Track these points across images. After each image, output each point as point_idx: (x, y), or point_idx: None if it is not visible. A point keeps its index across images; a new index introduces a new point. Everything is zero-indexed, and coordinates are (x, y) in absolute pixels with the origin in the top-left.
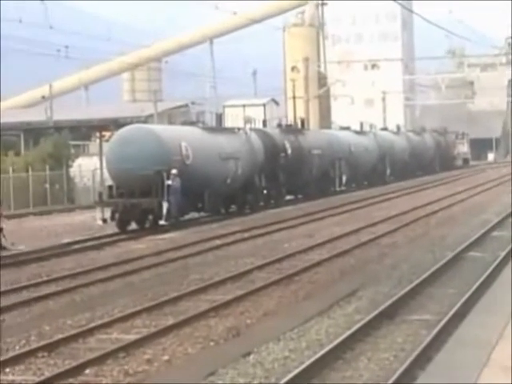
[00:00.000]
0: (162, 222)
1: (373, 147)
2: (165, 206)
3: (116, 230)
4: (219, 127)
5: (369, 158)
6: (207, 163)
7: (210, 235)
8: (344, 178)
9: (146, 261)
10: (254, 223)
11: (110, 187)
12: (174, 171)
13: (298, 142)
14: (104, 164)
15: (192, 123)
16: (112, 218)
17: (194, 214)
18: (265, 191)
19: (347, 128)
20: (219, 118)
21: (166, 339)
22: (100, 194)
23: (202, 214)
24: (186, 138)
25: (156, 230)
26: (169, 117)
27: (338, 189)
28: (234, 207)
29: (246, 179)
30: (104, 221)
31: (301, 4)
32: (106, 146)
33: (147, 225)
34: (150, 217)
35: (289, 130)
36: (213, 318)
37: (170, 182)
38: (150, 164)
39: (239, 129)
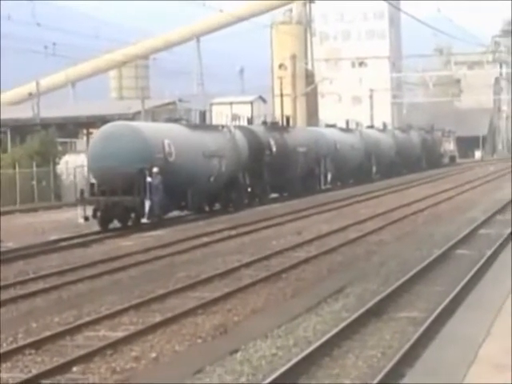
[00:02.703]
0: (144, 221)
1: (359, 145)
2: (147, 204)
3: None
4: (203, 124)
5: (355, 155)
6: (190, 161)
7: (197, 233)
8: (329, 176)
9: (133, 258)
10: (240, 221)
11: (92, 185)
12: (155, 169)
13: (283, 139)
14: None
15: (175, 120)
16: (94, 216)
17: (180, 212)
18: (249, 189)
19: (333, 125)
20: (203, 115)
21: (153, 336)
22: (81, 192)
23: (187, 212)
24: (169, 135)
25: (143, 227)
26: (152, 114)
27: (323, 187)
28: (217, 205)
29: (229, 177)
30: (86, 219)
31: (288, 1)
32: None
33: (129, 223)
34: (133, 215)
35: (274, 127)
36: (200, 316)
37: (150, 180)
38: (132, 161)
39: (223, 126)
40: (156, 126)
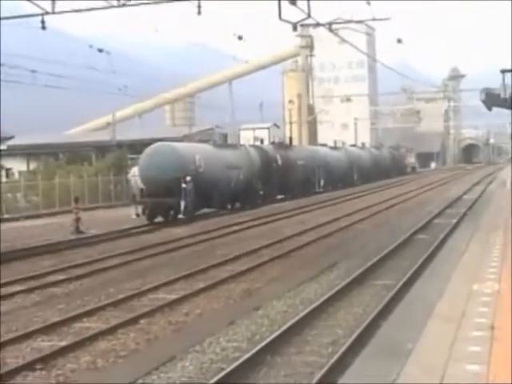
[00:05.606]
0: (180, 216)
1: (344, 158)
2: (182, 203)
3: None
4: (225, 144)
5: (341, 166)
6: (216, 171)
7: (228, 223)
8: (322, 182)
9: (183, 241)
10: (258, 215)
11: (142, 190)
12: (188, 178)
13: (287, 155)
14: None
15: (204, 141)
16: (143, 213)
17: (209, 209)
18: (261, 192)
19: (324, 145)
20: (225, 137)
21: (198, 298)
22: (133, 195)
23: (214, 209)
24: (199, 152)
25: (190, 218)
26: (188, 137)
27: (317, 190)
28: (237, 204)
29: (246, 183)
30: (137, 215)
31: (295, 55)
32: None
33: (169, 218)
34: (172, 212)
35: (280, 146)
36: (232, 283)
37: (185, 186)
38: (171, 172)
39: (241, 145)
40: (189, 145)
